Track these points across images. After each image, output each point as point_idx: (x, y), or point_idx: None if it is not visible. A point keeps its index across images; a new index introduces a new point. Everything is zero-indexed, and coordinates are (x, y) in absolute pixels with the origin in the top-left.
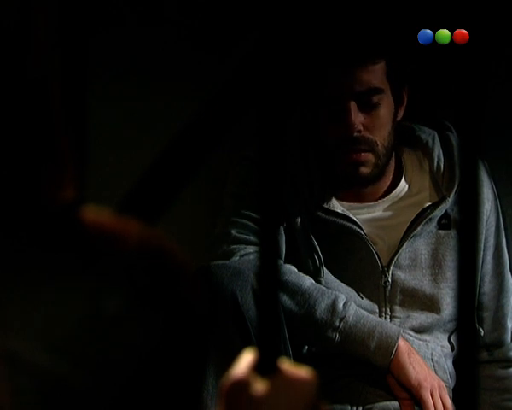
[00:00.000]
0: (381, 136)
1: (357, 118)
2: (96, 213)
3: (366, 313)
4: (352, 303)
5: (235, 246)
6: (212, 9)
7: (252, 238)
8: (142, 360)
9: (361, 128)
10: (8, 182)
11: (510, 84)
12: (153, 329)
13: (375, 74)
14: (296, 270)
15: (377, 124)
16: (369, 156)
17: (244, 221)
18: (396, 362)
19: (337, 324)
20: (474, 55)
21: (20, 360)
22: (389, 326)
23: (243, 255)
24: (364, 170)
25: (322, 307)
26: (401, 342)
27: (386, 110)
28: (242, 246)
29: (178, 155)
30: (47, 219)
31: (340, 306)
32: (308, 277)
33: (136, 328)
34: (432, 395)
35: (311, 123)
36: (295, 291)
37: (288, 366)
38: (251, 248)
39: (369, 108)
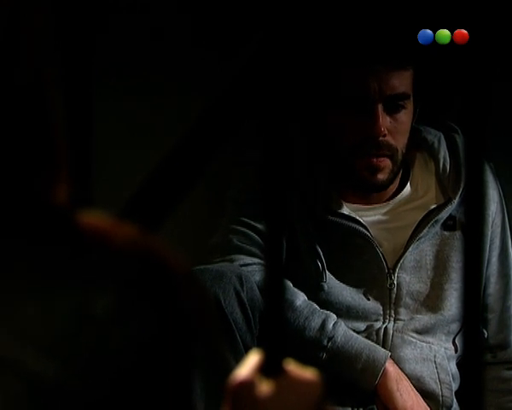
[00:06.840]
0: (402, 142)
1: (384, 122)
2: (89, 215)
3: (355, 334)
4: (342, 324)
5: (235, 255)
6: (212, 8)
7: (253, 249)
8: (131, 360)
9: (386, 132)
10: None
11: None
12: (143, 328)
13: (405, 80)
14: (291, 285)
15: (400, 130)
16: (388, 162)
17: (245, 230)
18: (383, 388)
19: (325, 343)
20: (475, 55)
21: (7, 361)
22: (377, 350)
23: (242, 266)
24: (381, 176)
25: (311, 326)
26: (390, 368)
27: (408, 117)
28: (242, 256)
29: (182, 158)
30: (38, 219)
31: (330, 326)
32: (302, 293)
33: (126, 327)
34: None
35: (319, 123)
36: (287, 307)
37: (293, 367)
38: (250, 260)
39: (394, 113)
